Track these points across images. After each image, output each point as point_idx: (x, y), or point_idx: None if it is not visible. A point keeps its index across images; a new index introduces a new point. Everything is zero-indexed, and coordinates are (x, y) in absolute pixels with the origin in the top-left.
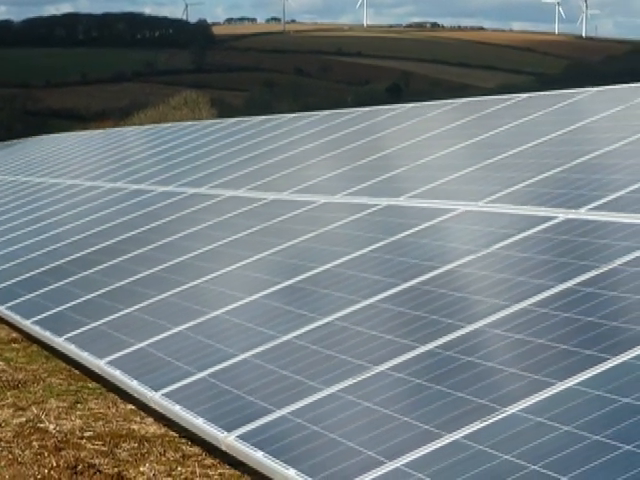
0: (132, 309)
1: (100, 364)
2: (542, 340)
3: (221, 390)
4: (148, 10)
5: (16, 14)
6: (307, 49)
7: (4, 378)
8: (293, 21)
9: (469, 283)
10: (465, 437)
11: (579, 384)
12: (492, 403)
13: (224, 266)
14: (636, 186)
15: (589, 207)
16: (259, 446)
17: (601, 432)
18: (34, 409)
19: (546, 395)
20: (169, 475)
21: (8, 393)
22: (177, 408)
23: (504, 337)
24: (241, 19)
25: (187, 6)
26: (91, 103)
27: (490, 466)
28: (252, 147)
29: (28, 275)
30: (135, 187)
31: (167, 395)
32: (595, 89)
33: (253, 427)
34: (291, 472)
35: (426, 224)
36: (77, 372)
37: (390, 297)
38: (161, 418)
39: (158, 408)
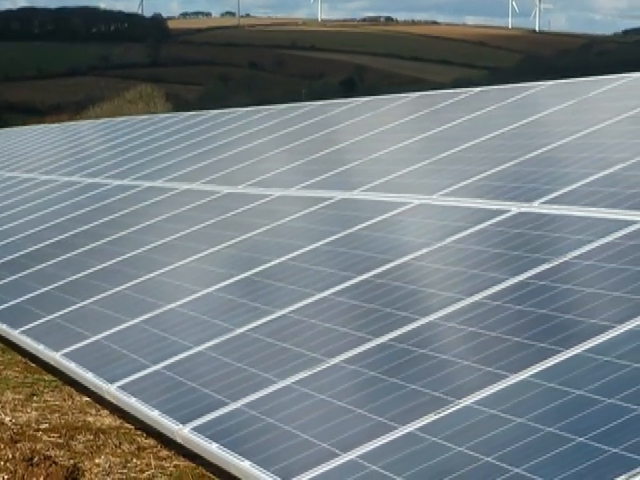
0: (88, 302)
1: (56, 357)
2: (495, 333)
3: (176, 382)
4: (103, 4)
5: None
6: (262, 43)
7: None
8: (248, 15)
9: (423, 276)
10: (419, 429)
11: (532, 376)
12: (446, 395)
13: (179, 259)
14: (589, 179)
15: (542, 200)
16: (214, 438)
17: (554, 424)
18: None
19: (500, 387)
20: (124, 467)
21: None
22: (133, 400)
23: (458, 330)
24: (196, 13)
25: (142, 0)
26: (47, 97)
27: (444, 458)
28: (207, 141)
29: None
30: (90, 181)
31: (123, 387)
32: (548, 83)
33: (208, 419)
34: (245, 464)
35: (380, 217)
36: (33, 365)
37: (344, 290)
38: (116, 410)
39: (114, 400)
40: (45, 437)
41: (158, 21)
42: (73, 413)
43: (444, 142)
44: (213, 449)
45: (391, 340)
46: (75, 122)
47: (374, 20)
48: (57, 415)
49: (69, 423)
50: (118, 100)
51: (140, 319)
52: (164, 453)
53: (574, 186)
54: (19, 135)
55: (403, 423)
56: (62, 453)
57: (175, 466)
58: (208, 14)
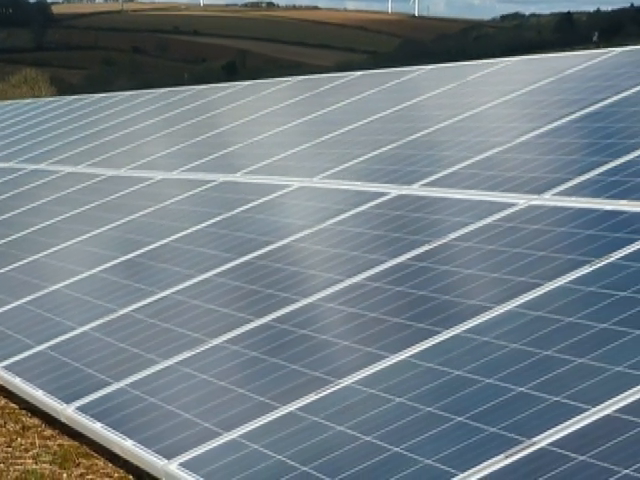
0: None
1: None
2: (375, 314)
3: (60, 363)
4: None
5: None
6: (145, 28)
7: None
8: (131, 0)
9: (304, 258)
10: (300, 409)
11: (412, 357)
12: (326, 375)
13: (63, 241)
14: (468, 162)
15: (422, 183)
16: (98, 417)
17: (433, 404)
18: None
19: (379, 367)
20: (9, 446)
21: None
22: (17, 380)
23: (338, 310)
24: None
25: None
26: None
27: (325, 437)
28: (91, 124)
29: None
30: None
31: (7, 368)
32: (427, 67)
33: (92, 399)
34: (129, 443)
35: (262, 200)
36: None
37: (226, 271)
38: (1, 390)
39: None
40: None
41: (42, 6)
42: None
43: (325, 125)
44: (97, 428)
45: (272, 321)
46: None
47: (256, 5)
48: None
49: None
50: (2, 84)
51: (24, 300)
52: (48, 432)
53: (453, 169)
54: None
55: (284, 403)
56: None
57: (59, 445)
58: None
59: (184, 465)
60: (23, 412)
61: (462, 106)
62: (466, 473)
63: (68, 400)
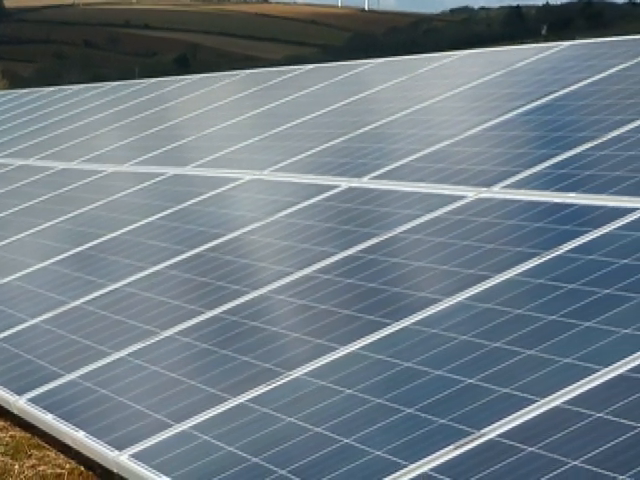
0: None
1: None
2: (326, 306)
3: (12, 354)
4: None
5: None
6: (96, 21)
7: None
8: None
9: (254, 250)
10: (250, 400)
11: (362, 348)
12: (277, 367)
13: (15, 233)
14: (417, 155)
15: (371, 176)
16: (49, 409)
17: (383, 395)
18: None
19: (330, 359)
20: None
21: None
22: None
23: (289, 303)
24: None
25: None
26: None
27: (275, 428)
28: (42, 117)
29: None
30: None
31: None
32: (378, 60)
33: (43, 390)
34: (80, 434)
35: (212, 192)
36: None
37: (177, 264)
38: None
39: None
40: None
41: None
42: None
43: (275, 119)
44: (49, 420)
45: (223, 313)
46: None
47: None
48: None
49: None
50: None
51: None
52: (0, 424)
53: (403, 161)
54: None
55: (235, 394)
56: None
57: (11, 436)
58: None
59: (135, 456)
60: None
61: (412, 99)
62: (416, 464)
63: (20, 392)
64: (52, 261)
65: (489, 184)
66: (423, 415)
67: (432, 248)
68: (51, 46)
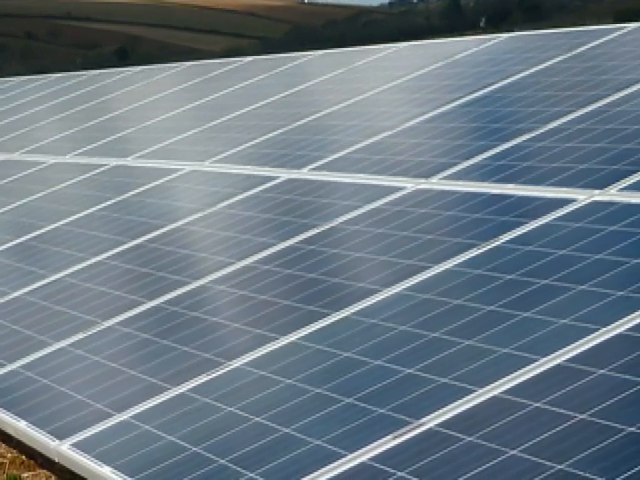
0: None
1: None
2: (265, 296)
3: None
4: None
5: None
6: (36, 13)
7: None
8: None
9: (195, 241)
10: (191, 390)
11: (301, 338)
12: (217, 357)
13: None
14: (356, 147)
15: (311, 167)
16: None
17: (323, 385)
18: None
19: (269, 349)
20: None
21: None
22: None
23: (229, 293)
24: None
25: None
26: None
27: (215, 418)
28: None
29: None
30: None
31: None
32: (317, 53)
33: None
34: (22, 424)
35: (153, 184)
36: None
37: (118, 254)
38: None
39: None
40: None
41: None
42: None
43: (215, 110)
44: None
45: (164, 303)
46: None
47: None
48: None
49: None
50: None
51: None
52: None
53: (342, 153)
54: None
55: (175, 384)
56: None
57: None
58: None
59: (76, 445)
60: None
61: (351, 91)
62: (355, 453)
63: None
64: None
65: (428, 175)
66: (362, 405)
67: (371, 239)
68: None
